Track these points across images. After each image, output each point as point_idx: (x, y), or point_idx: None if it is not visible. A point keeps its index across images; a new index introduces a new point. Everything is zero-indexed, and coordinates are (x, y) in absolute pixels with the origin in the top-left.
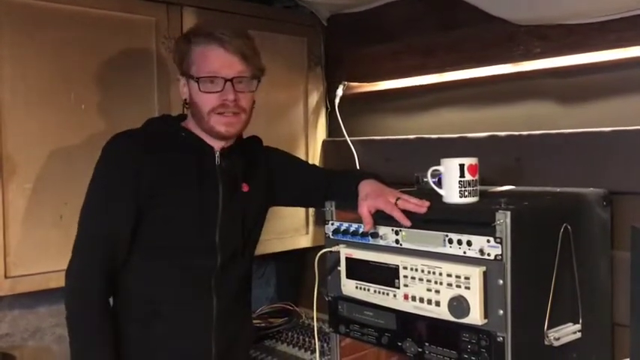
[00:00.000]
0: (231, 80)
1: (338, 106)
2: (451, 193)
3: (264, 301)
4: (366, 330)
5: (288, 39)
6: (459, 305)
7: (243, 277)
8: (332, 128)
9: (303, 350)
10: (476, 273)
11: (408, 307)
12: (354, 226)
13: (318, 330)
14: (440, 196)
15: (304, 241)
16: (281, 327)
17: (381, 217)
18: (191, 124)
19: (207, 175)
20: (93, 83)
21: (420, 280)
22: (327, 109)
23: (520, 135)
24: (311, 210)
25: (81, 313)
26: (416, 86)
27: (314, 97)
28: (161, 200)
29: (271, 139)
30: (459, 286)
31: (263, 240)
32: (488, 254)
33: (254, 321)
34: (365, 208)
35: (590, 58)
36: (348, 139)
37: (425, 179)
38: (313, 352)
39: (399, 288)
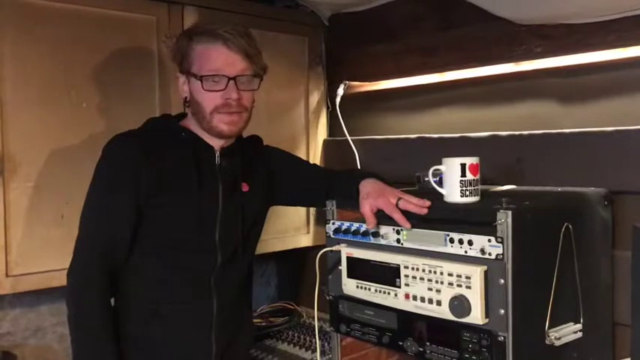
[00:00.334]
0: (234, 79)
1: (339, 106)
2: (452, 192)
3: (264, 300)
4: (367, 329)
5: (289, 38)
6: (460, 305)
7: (244, 276)
8: (333, 128)
9: (303, 349)
10: (477, 272)
11: (409, 306)
12: (355, 226)
13: (319, 329)
14: (441, 196)
15: (305, 241)
16: (282, 326)
17: (382, 217)
18: (191, 124)
19: (207, 175)
20: (94, 82)
21: (421, 279)
22: (328, 108)
23: (521, 134)
24: (312, 209)
25: (82, 313)
26: (417, 86)
27: (315, 97)
28: (161, 200)
29: (272, 138)
30: (460, 286)
31: (264, 239)
32: (490, 254)
33: (255, 320)
34: (367, 207)
35: (591, 58)
36: (349, 138)
37: (426, 179)
38: (314, 351)
39: (400, 287)
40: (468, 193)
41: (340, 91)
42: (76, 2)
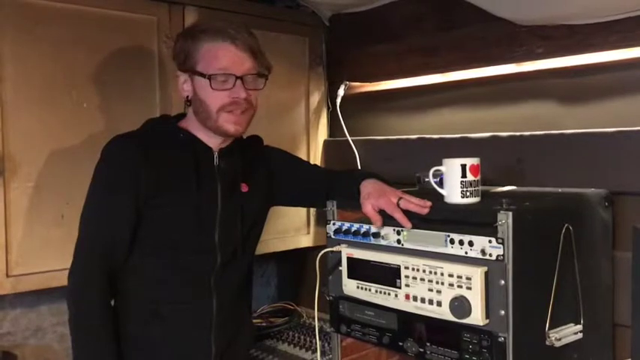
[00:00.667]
0: (241, 78)
1: (339, 106)
2: (453, 193)
3: (265, 300)
4: (367, 330)
5: (289, 38)
6: (460, 305)
7: (244, 276)
8: (333, 128)
9: (304, 350)
10: (477, 273)
11: (410, 307)
12: (355, 226)
13: (319, 330)
14: (441, 197)
15: (305, 241)
16: (282, 326)
17: (383, 217)
18: (191, 124)
19: (206, 176)
20: (95, 82)
21: (422, 280)
22: (328, 108)
23: (522, 135)
24: (312, 210)
25: (82, 313)
26: (417, 86)
27: (315, 97)
28: (160, 201)
29: (273, 138)
30: (460, 287)
31: (264, 239)
32: (490, 254)
33: (255, 320)
34: (369, 207)
35: (592, 59)
36: (349, 138)
37: (426, 179)
38: (314, 351)
39: (400, 288)
40: (468, 193)
41: (341, 92)
42: (76, 2)
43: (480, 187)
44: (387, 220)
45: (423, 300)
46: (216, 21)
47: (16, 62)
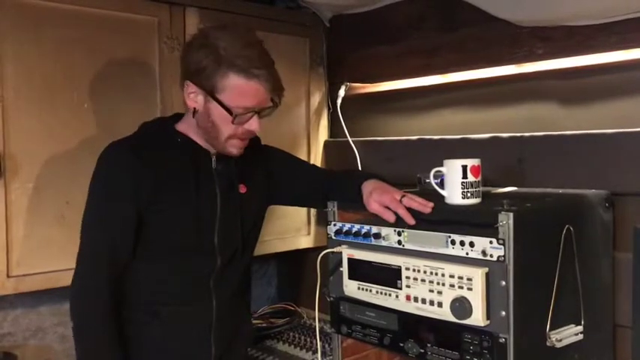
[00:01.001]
0: (259, 112)
1: (340, 107)
2: (454, 194)
3: (265, 301)
4: (368, 331)
5: (290, 39)
6: (461, 306)
7: (243, 277)
8: (334, 129)
9: (304, 351)
10: (478, 274)
11: (410, 308)
12: (356, 227)
13: (319, 330)
14: (442, 197)
15: (306, 242)
16: (282, 327)
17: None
18: (189, 129)
19: (204, 179)
20: (95, 83)
21: (423, 281)
22: (329, 109)
23: (522, 136)
24: (312, 210)
25: (88, 326)
26: (418, 87)
27: (316, 98)
28: (160, 206)
29: (273, 139)
30: (461, 287)
31: (264, 240)
32: (491, 255)
33: (255, 321)
34: (375, 204)
35: (592, 60)
36: (350, 139)
37: (427, 180)
38: (315, 352)
39: (401, 289)
40: (469, 194)
41: (341, 93)
42: (77, 3)
43: (481, 188)
44: None
45: (423, 301)
46: (247, 53)
47: (16, 62)
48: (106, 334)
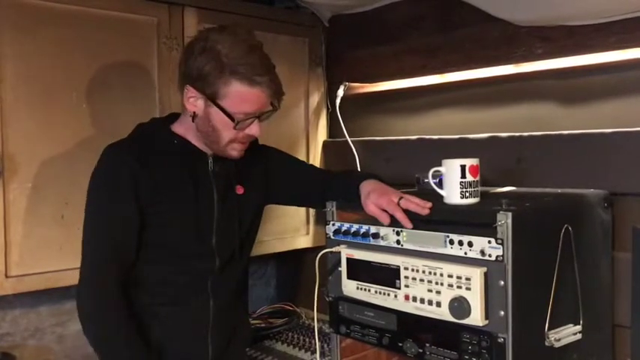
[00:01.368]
0: (259, 116)
1: (339, 107)
2: (452, 193)
3: (264, 301)
4: (367, 330)
5: (289, 39)
6: (459, 306)
7: (240, 277)
8: (333, 129)
9: (303, 351)
10: (477, 274)
11: (409, 307)
12: (355, 227)
13: (318, 330)
14: (441, 197)
15: (304, 242)
16: (281, 327)
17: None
18: (186, 131)
19: (202, 181)
20: (94, 83)
21: (421, 280)
22: (327, 109)
23: (521, 136)
24: (311, 210)
25: (108, 332)
26: (417, 87)
27: (315, 98)
28: (157, 208)
29: (272, 139)
30: (459, 287)
31: (264, 240)
32: (489, 255)
33: (254, 321)
34: (372, 206)
35: (591, 60)
36: (348, 139)
37: (426, 180)
38: (313, 352)
39: (399, 289)
40: (467, 194)
41: (340, 92)
42: (76, 3)
43: (480, 188)
44: None
45: (422, 300)
46: (248, 59)
47: (15, 62)
48: (129, 334)
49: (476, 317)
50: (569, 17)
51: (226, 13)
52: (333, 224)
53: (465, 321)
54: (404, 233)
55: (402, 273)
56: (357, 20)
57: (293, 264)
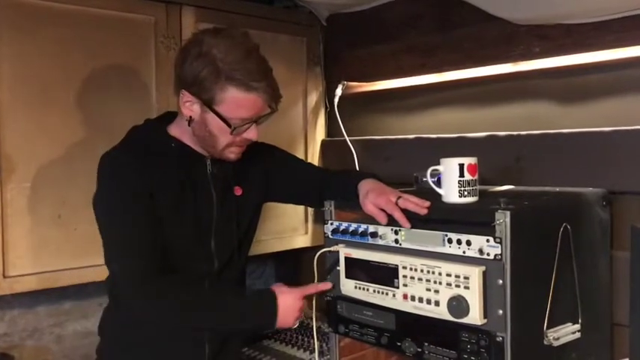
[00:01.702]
0: (256, 120)
1: (337, 106)
2: (451, 192)
3: None
4: (366, 330)
5: (287, 39)
6: (458, 305)
7: (238, 277)
8: (331, 128)
9: (301, 350)
10: (475, 273)
11: (408, 306)
12: (353, 226)
13: (317, 330)
14: (439, 196)
15: (303, 241)
16: None
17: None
18: (183, 134)
19: (200, 184)
20: (92, 82)
21: (420, 279)
22: (326, 108)
23: (519, 135)
24: (310, 209)
25: (188, 306)
26: (415, 86)
27: (313, 97)
28: (158, 212)
29: (270, 138)
30: (458, 286)
31: (262, 239)
32: (488, 254)
33: None
34: (370, 206)
35: (589, 58)
36: (347, 138)
37: (424, 179)
38: (312, 352)
39: (398, 288)
40: (466, 193)
41: (338, 92)
42: (73, 2)
43: (478, 187)
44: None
45: (420, 300)
46: (237, 51)
47: (13, 62)
48: (206, 292)
49: (474, 316)
50: (567, 15)
51: (224, 12)
52: (332, 223)
53: (464, 320)
54: (402, 232)
55: (401, 272)
56: (355, 19)
57: (291, 263)
